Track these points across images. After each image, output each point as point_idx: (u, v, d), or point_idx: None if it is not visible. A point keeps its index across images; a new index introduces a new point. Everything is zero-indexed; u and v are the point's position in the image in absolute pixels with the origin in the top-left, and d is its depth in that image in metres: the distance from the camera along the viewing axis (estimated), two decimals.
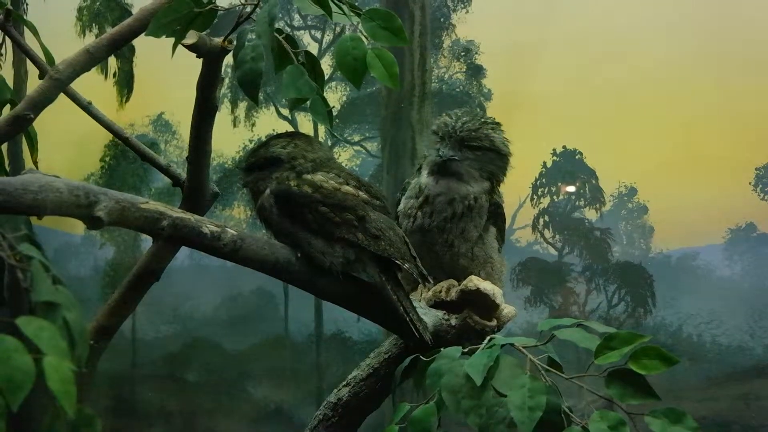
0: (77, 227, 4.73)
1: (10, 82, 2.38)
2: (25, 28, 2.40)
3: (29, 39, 2.39)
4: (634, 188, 4.75)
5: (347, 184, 2.11)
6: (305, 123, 4.80)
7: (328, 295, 2.16)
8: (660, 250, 4.70)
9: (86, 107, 2.46)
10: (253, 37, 1.94)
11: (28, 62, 2.37)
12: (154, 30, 1.97)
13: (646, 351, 1.81)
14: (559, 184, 4.78)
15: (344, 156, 4.94)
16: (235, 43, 1.99)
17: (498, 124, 2.47)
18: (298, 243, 2.07)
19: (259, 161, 2.17)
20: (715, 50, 4.43)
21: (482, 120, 2.44)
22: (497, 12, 4.73)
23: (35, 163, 2.42)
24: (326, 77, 2.19)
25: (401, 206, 2.46)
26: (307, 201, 2.07)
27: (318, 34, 5.02)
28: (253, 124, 4.99)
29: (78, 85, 2.36)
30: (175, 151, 4.97)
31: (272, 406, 4.76)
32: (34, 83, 2.28)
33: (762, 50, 4.42)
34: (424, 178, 2.44)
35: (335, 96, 4.91)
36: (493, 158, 2.43)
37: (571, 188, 4.79)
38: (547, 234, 4.80)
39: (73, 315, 1.40)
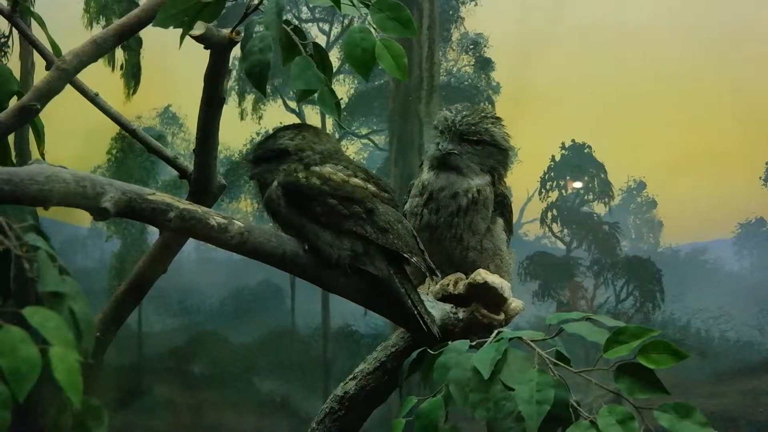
0: (84, 219, 4.74)
1: (16, 74, 2.37)
2: (32, 19, 2.39)
3: (36, 30, 2.39)
4: (643, 182, 4.73)
5: (356, 177, 2.10)
6: (312, 116, 4.80)
7: (335, 288, 2.15)
8: (669, 244, 4.69)
9: (93, 99, 2.46)
10: (261, 28, 1.93)
11: (35, 53, 2.36)
12: (162, 21, 1.96)
13: (655, 345, 1.80)
14: (568, 178, 4.77)
15: (352, 149, 4.93)
16: (243, 34, 1.99)
17: (498, 118, 2.47)
18: (305, 235, 2.06)
19: (267, 153, 2.16)
20: (726, 44, 4.41)
21: (482, 114, 2.44)
22: (506, 5, 4.73)
23: (42, 154, 2.41)
24: (334, 70, 2.18)
25: (407, 206, 2.46)
26: (315, 193, 2.06)
27: (326, 27, 5.01)
28: (261, 117, 4.99)
29: (85, 77, 2.35)
30: (182, 144, 4.98)
31: (278, 399, 4.76)
32: (40, 74, 2.27)
33: None
34: (426, 174, 2.44)
35: (343, 88, 4.90)
36: (493, 152, 2.43)
37: (579, 183, 4.78)
38: (556, 228, 4.79)
39: (79, 305, 1.39)
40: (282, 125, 2.25)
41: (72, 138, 4.44)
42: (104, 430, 1.42)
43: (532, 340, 1.93)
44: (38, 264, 1.40)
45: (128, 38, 2.30)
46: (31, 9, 2.42)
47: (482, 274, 2.23)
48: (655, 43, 4.47)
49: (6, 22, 2.37)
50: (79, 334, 1.38)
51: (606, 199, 4.75)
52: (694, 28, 4.44)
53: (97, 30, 4.61)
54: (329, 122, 4.49)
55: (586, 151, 4.74)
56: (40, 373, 1.26)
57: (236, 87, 4.92)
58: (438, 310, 2.21)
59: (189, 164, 2.45)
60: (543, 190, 4.79)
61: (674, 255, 4.67)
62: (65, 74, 2.19)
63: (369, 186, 2.11)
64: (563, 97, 4.50)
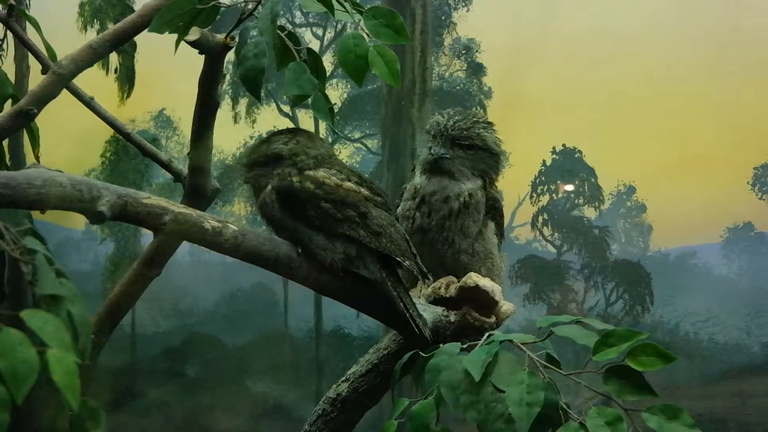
0: (78, 222, 4.75)
1: (11, 77, 2.38)
2: (27, 23, 2.40)
3: (31, 34, 2.39)
4: (633, 187, 4.77)
5: (349, 181, 2.12)
6: (306, 120, 4.82)
7: (328, 291, 2.16)
8: (658, 248, 4.73)
9: (88, 103, 2.47)
10: (256, 34, 1.94)
11: (30, 57, 2.37)
12: (158, 26, 1.98)
13: (643, 348, 1.82)
14: (559, 182, 4.80)
15: (344, 153, 4.96)
16: (237, 40, 2.00)
17: (490, 123, 2.48)
18: (299, 239, 2.08)
19: (261, 158, 2.17)
20: (714, 51, 4.45)
21: (474, 119, 2.45)
22: (498, 11, 4.75)
23: (37, 158, 2.42)
24: (327, 74, 2.20)
25: (399, 209, 2.47)
26: (309, 197, 2.07)
27: (319, 32, 5.03)
28: (254, 121, 5.01)
29: (79, 81, 2.36)
30: (176, 147, 4.99)
31: (271, 401, 4.77)
32: (35, 78, 2.28)
33: (760, 51, 4.44)
34: (418, 178, 2.46)
35: (336, 93, 4.92)
36: (484, 157, 2.45)
37: (570, 187, 4.80)
38: (546, 232, 4.82)
39: (77, 308, 1.40)
40: (275, 129, 2.26)
41: (66, 141, 4.44)
42: (101, 431, 1.43)
43: (522, 343, 1.94)
44: (36, 267, 1.41)
45: (124, 43, 2.31)
46: (27, 13, 2.43)
47: (473, 278, 2.25)
48: (645, 50, 4.50)
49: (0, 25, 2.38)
50: (77, 336, 1.39)
51: (596, 204, 4.79)
52: (683, 36, 4.47)
53: (92, 34, 4.64)
54: (322, 126, 4.51)
55: (576, 155, 4.78)
56: (38, 375, 1.27)
57: (230, 91, 4.94)
58: (430, 313, 2.22)
59: (183, 168, 2.47)
60: (534, 194, 4.82)
61: (663, 259, 4.71)
62: (62, 79, 2.21)
63: (362, 190, 2.12)
64: (554, 102, 4.53)
